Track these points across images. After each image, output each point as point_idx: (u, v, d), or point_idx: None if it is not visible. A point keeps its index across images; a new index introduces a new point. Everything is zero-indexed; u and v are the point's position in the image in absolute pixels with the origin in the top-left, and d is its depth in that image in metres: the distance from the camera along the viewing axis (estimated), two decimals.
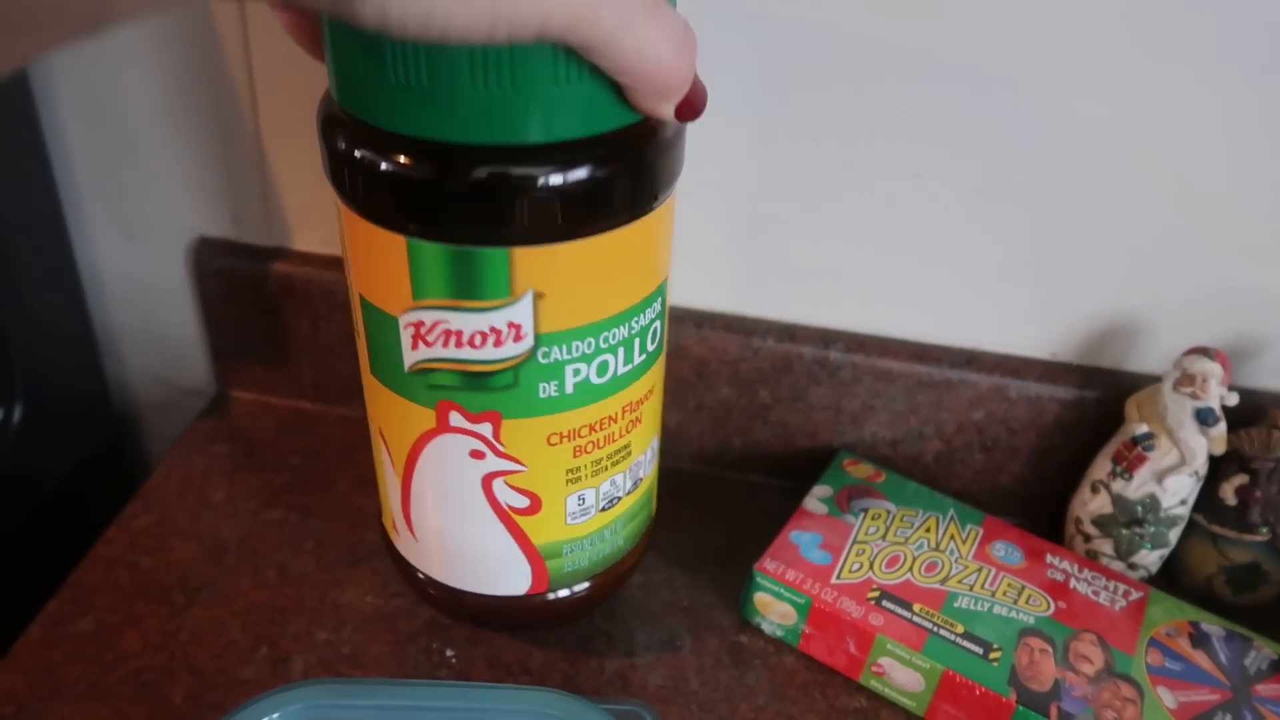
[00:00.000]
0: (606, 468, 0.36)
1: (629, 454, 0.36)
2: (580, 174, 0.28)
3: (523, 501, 0.35)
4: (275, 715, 0.26)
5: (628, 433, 0.35)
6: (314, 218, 0.49)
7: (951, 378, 0.47)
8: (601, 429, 0.34)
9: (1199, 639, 0.41)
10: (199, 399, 0.56)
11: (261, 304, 0.51)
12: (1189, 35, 0.38)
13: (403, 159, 0.28)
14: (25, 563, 0.48)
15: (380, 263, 0.30)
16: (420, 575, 0.39)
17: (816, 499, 0.46)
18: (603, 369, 0.32)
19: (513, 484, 0.34)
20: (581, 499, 0.36)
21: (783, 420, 0.50)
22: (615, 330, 0.32)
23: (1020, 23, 0.39)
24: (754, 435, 0.51)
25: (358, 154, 0.28)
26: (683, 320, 0.48)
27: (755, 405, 0.50)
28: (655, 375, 0.36)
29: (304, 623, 0.42)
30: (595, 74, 0.26)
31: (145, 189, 0.50)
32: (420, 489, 0.36)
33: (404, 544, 0.39)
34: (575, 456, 0.34)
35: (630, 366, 0.34)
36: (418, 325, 0.31)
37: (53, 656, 0.40)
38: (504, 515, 0.35)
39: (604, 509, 0.37)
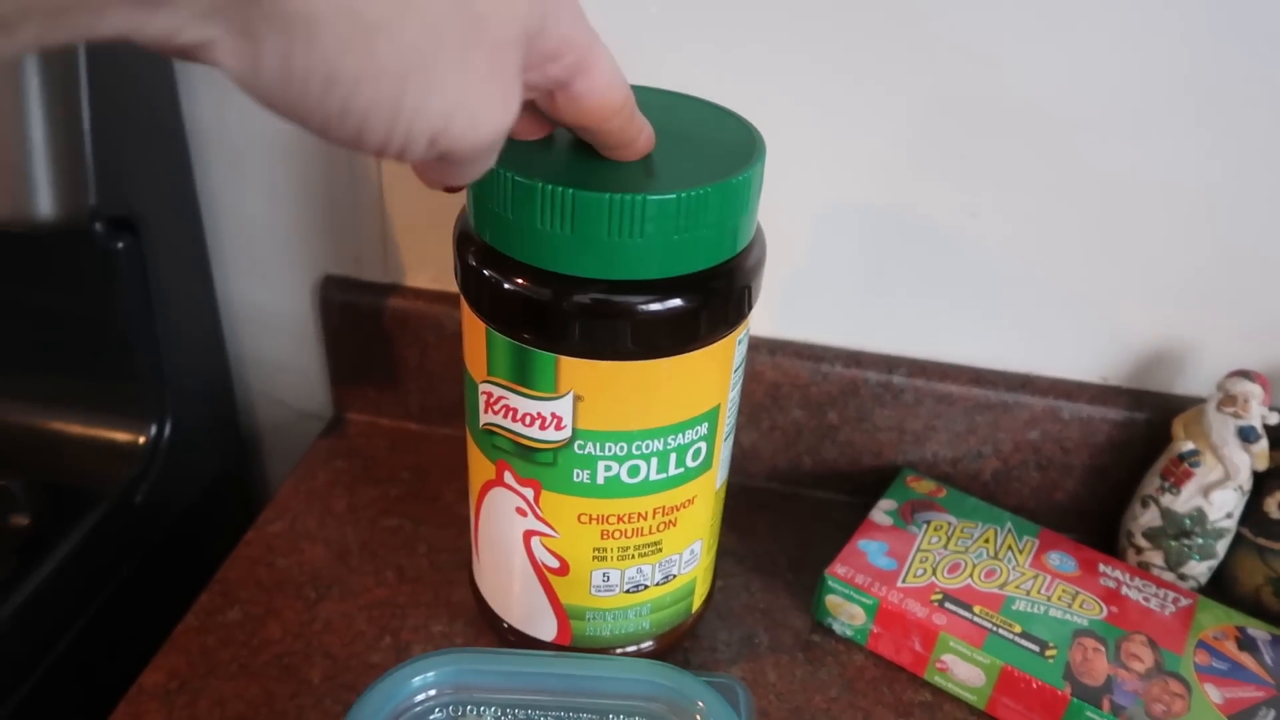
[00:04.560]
0: (633, 556, 0.39)
1: (659, 550, 0.39)
2: (623, 313, 0.33)
3: (554, 563, 0.39)
4: (430, 674, 0.31)
5: (659, 531, 0.39)
6: (426, 258, 0.55)
7: (1008, 400, 0.51)
8: (629, 521, 0.38)
9: (1245, 643, 0.44)
10: (314, 421, 0.62)
11: (377, 335, 0.57)
12: (1233, 71, 0.42)
13: (489, 268, 0.34)
14: (172, 565, 0.54)
15: (471, 338, 0.37)
16: (482, 595, 0.44)
17: (882, 511, 0.50)
18: (634, 471, 0.36)
19: (547, 545, 0.39)
20: (606, 576, 0.39)
21: (850, 440, 0.54)
22: (649, 442, 0.36)
23: (1066, 68, 0.43)
24: (823, 454, 0.55)
25: (468, 257, 0.35)
26: (757, 347, 0.53)
27: (824, 426, 0.54)
28: (699, 488, 0.39)
29: (421, 616, 0.47)
30: (657, 232, 0.31)
31: (279, 230, 0.56)
32: (484, 526, 0.41)
33: (475, 565, 0.44)
34: (602, 538, 0.38)
35: (664, 475, 0.37)
36: (488, 394, 0.37)
37: (207, 641, 0.45)
38: (538, 570, 0.40)
39: (629, 591, 0.40)
